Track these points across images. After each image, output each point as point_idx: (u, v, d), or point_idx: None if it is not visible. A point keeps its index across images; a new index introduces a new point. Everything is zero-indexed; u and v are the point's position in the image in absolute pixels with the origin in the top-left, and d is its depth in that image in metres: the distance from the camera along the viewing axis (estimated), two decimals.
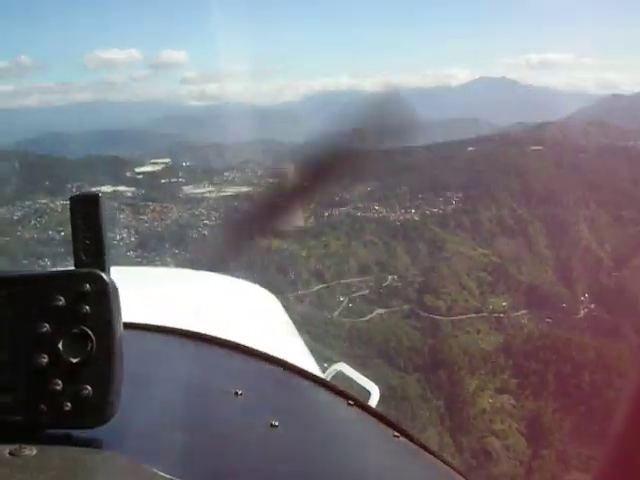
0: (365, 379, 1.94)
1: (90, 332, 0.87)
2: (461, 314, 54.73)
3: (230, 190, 71.95)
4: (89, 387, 0.87)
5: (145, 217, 68.48)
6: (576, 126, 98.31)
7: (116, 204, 69.22)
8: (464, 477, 1.40)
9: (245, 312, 2.71)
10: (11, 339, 0.87)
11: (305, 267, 58.16)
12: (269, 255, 56.53)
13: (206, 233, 64.12)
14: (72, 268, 0.91)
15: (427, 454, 1.38)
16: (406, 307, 55.69)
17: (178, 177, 77.08)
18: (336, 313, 55.13)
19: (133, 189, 74.24)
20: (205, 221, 66.82)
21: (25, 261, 58.21)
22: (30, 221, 66.44)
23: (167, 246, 62.54)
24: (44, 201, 69.51)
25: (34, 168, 73.33)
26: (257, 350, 1.65)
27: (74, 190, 71.70)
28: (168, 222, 67.02)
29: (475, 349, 48.16)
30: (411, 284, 58.18)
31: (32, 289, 0.89)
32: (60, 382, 0.86)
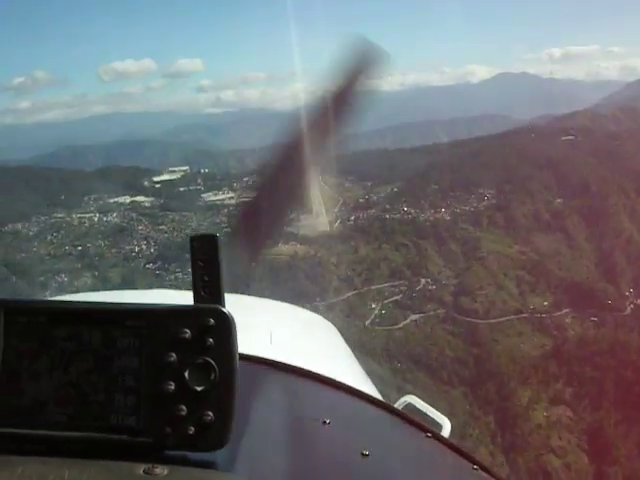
0: (435, 412, 1.91)
1: (213, 363, 0.95)
2: (500, 316, 52.31)
3: (251, 195, 69.89)
4: (211, 413, 0.94)
5: (164, 227, 66.41)
6: (605, 113, 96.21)
7: (134, 215, 67.51)
8: None
9: (310, 341, 2.71)
10: (140, 367, 0.96)
11: (334, 273, 55.93)
12: (297, 262, 54.34)
13: (227, 241, 61.90)
14: (192, 304, 1.00)
15: None
16: (441, 311, 53.27)
17: (197, 184, 74.94)
18: (368, 321, 52.84)
19: (151, 199, 72.52)
20: (226, 229, 64.07)
21: (41, 278, 56.56)
22: (46, 237, 64.26)
23: (188, 257, 59.62)
24: (60, 215, 67.97)
25: (50, 182, 72.04)
26: (338, 381, 1.73)
27: (91, 202, 71.33)
28: (188, 231, 64.53)
29: (523, 356, 45.14)
30: (445, 287, 55.93)
31: (161, 322, 0.98)
32: (185, 408, 0.95)
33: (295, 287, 48.32)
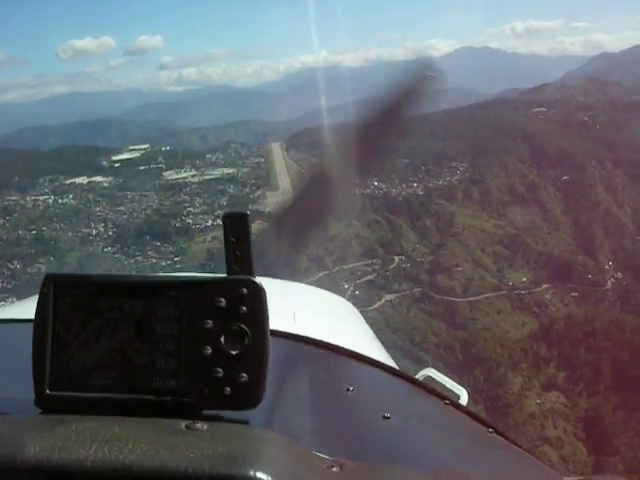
0: (454, 383, 1.98)
1: (247, 329, 1.03)
2: (478, 294, 50.84)
3: (214, 173, 67.82)
4: (245, 375, 1.02)
5: (123, 208, 63.66)
6: (574, 86, 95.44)
7: (91, 196, 64.82)
8: (556, 470, 1.51)
9: (332, 321, 2.76)
10: (179, 333, 1.04)
11: (303, 253, 52.90)
12: (259, 242, 51.86)
13: (190, 221, 59.51)
14: (227, 275, 1.07)
15: (518, 448, 1.51)
16: (417, 290, 51.57)
17: (158, 163, 72.31)
18: None
19: (110, 179, 69.93)
20: (189, 208, 61.96)
21: None
22: None
23: (148, 238, 57.79)
24: (14, 198, 65.13)
25: (2, 164, 68.84)
26: (360, 354, 1.82)
27: (46, 184, 68.34)
28: (148, 212, 62.01)
29: (511, 338, 43.02)
30: (420, 264, 54.10)
31: (199, 292, 1.05)
32: (221, 370, 1.03)
33: (261, 268, 45.99)
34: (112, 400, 1.03)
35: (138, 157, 74.68)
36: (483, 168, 62.20)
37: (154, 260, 54.26)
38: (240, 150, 74.57)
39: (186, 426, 0.94)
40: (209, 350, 1.03)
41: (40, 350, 1.04)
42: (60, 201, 64.60)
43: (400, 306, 50.52)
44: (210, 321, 1.03)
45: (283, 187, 64.90)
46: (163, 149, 78.15)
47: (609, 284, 51.94)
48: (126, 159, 74.10)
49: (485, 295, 50.77)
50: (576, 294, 51.03)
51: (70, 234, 59.74)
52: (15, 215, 62.44)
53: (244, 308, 1.04)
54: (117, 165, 72.58)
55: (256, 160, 71.58)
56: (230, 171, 68.29)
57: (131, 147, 79.13)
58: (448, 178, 62.33)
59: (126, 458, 0.84)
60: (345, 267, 53.04)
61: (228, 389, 1.02)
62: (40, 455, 0.84)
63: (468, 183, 61.21)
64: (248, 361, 1.03)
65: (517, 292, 51.43)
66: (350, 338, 2.28)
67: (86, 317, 1.05)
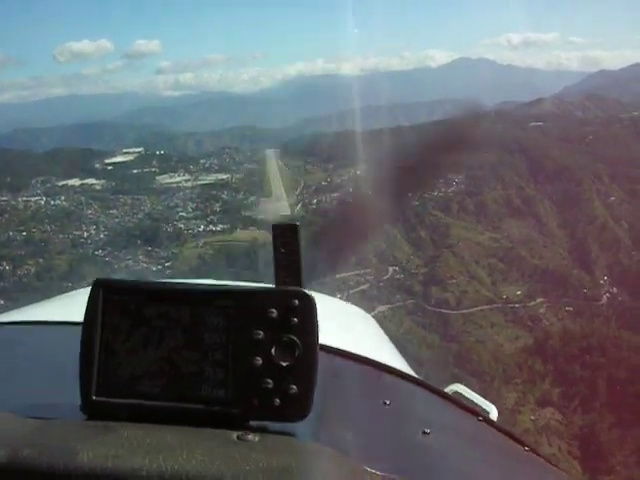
0: (482, 399, 1.96)
1: (297, 340, 1.03)
2: (472, 306, 50.23)
3: (207, 178, 67.26)
4: (295, 387, 1.02)
5: (115, 211, 62.97)
6: (572, 101, 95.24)
7: (83, 198, 64.18)
8: None
9: (355, 332, 2.82)
10: (227, 342, 1.04)
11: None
12: (256, 249, 51.41)
13: (182, 226, 58.91)
14: (277, 286, 1.08)
15: (554, 467, 1.53)
16: (410, 302, 50.96)
17: (151, 166, 71.77)
18: None
19: (103, 181, 69.33)
20: (181, 213, 61.33)
21: None
22: None
23: (139, 243, 56.83)
24: (4, 199, 64.24)
25: None
26: (391, 366, 1.87)
27: (38, 185, 67.68)
28: (140, 216, 61.33)
29: (504, 352, 42.51)
30: (414, 276, 53.51)
31: (250, 302, 1.05)
32: (271, 381, 1.02)
33: (254, 275, 45.51)
34: (159, 408, 1.02)
35: (132, 160, 73.82)
36: (479, 180, 61.61)
37: (145, 265, 53.65)
38: (234, 156, 74.00)
39: (238, 437, 0.95)
40: (259, 361, 1.03)
41: (88, 355, 1.04)
42: (52, 203, 63.72)
43: (393, 317, 49.70)
44: (261, 332, 1.03)
45: (276, 194, 64.46)
46: (157, 153, 77.33)
47: (604, 299, 51.36)
48: (120, 162, 73.29)
49: (479, 308, 50.22)
50: (571, 308, 50.49)
51: (61, 236, 58.93)
52: (6, 216, 61.41)
53: (295, 320, 1.03)
54: (110, 168, 71.84)
55: (250, 166, 71.11)
56: (224, 177, 67.71)
57: (125, 150, 78.27)
58: (443, 189, 61.25)
59: (182, 468, 0.83)
60: (337, 276, 52.46)
61: (278, 400, 1.02)
62: (93, 463, 0.84)
63: (464, 195, 60.58)
64: (298, 373, 1.02)
65: (511, 305, 50.89)
66: (375, 351, 2.28)
67: (134, 324, 1.05)
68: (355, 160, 66.46)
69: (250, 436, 0.94)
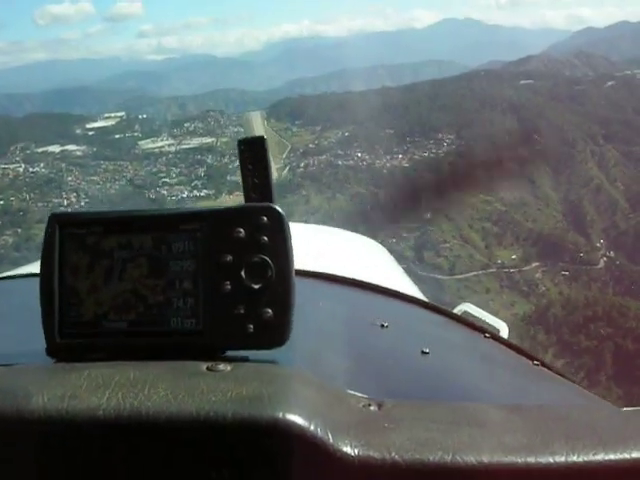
0: (492, 317, 1.89)
1: (269, 260, 0.95)
2: (466, 271, 49.61)
3: (192, 142, 65.59)
4: (270, 310, 0.96)
5: (96, 178, 61.37)
6: (560, 59, 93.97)
7: (64, 165, 62.39)
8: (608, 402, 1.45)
9: (363, 259, 2.80)
10: (195, 269, 0.96)
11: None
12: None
13: (165, 193, 57.35)
14: (244, 204, 1.01)
15: (567, 380, 1.50)
16: (402, 267, 48.93)
17: (134, 131, 69.94)
18: None
19: (84, 147, 67.78)
20: (164, 179, 59.73)
21: None
22: None
23: (122, 210, 54.96)
24: None
25: None
26: (394, 290, 1.82)
27: (17, 152, 65.79)
28: (122, 182, 59.72)
29: (500, 318, 41.24)
30: (406, 240, 52.24)
31: (215, 223, 0.97)
32: (243, 307, 0.96)
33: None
34: (127, 345, 0.97)
35: (113, 125, 72.42)
36: (470, 140, 60.04)
37: None
38: (219, 119, 72.26)
39: (207, 368, 0.90)
40: (228, 285, 0.95)
41: (48, 296, 0.98)
42: (31, 170, 62.01)
43: None
44: (229, 254, 0.96)
45: None
46: (140, 117, 75.80)
47: (601, 263, 50.36)
48: (101, 127, 71.90)
49: (473, 273, 49.64)
50: (567, 273, 49.62)
51: (40, 204, 57.21)
52: None
53: (265, 238, 0.95)
54: (91, 133, 70.41)
55: (236, 129, 69.22)
56: (209, 140, 66.14)
57: (106, 115, 76.65)
58: (434, 150, 60.37)
59: (142, 404, 0.79)
60: None
61: (251, 327, 0.95)
62: (48, 405, 0.80)
63: (455, 156, 58.90)
64: (272, 295, 0.95)
65: (506, 270, 50.18)
66: (381, 275, 2.24)
67: (94, 257, 0.97)
68: (342, 122, 65.74)
69: (221, 366, 0.89)
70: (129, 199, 56.36)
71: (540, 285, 48.64)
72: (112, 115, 75.76)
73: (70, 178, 61.11)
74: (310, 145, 63.90)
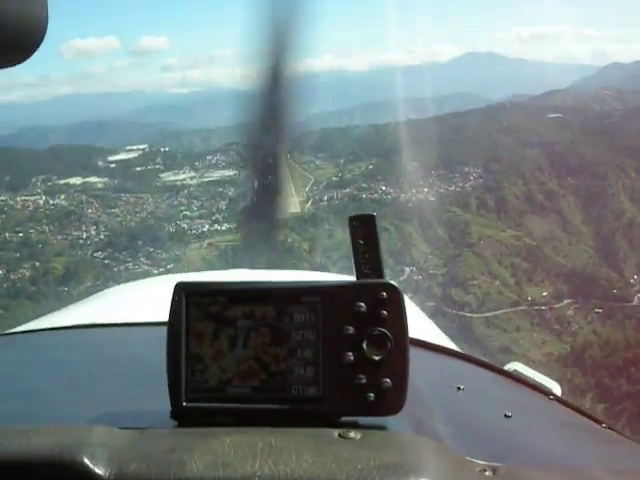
0: (544, 377, 1.93)
1: (388, 333, 1.02)
2: (495, 309, 48.10)
3: (214, 175, 64.78)
4: (389, 380, 1.02)
5: (116, 210, 60.82)
6: (588, 92, 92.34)
7: (84, 197, 61.87)
8: None
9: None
10: (316, 339, 1.04)
11: (307, 261, 50.06)
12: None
13: (185, 226, 56.44)
14: (363, 280, 1.06)
15: (636, 444, 1.49)
16: (430, 305, 48.05)
17: (155, 164, 69.47)
18: None
19: (105, 179, 67.02)
20: (185, 212, 58.90)
21: None
22: None
23: (140, 244, 54.54)
24: (3, 198, 61.88)
25: None
26: (460, 351, 1.92)
27: (39, 184, 65.39)
28: (143, 215, 59.00)
29: (531, 358, 39.70)
30: (433, 277, 51.33)
31: (337, 296, 1.04)
32: (364, 376, 1.02)
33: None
34: (251, 410, 1.04)
35: (135, 158, 71.49)
36: (498, 174, 59.28)
37: (146, 267, 51.21)
38: (242, 152, 71.23)
39: (339, 435, 0.95)
40: (351, 356, 1.03)
41: (175, 362, 1.05)
42: (51, 202, 61.36)
43: None
44: (351, 327, 1.03)
45: (286, 190, 62.09)
46: (162, 150, 75.06)
47: (636, 300, 48.47)
48: (123, 160, 71.05)
49: (503, 310, 48.13)
50: (600, 310, 47.80)
51: (59, 237, 56.77)
52: (3, 216, 59.35)
53: (384, 312, 1.03)
54: (113, 166, 69.55)
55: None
56: (230, 173, 65.26)
57: (128, 147, 76.00)
58: (461, 184, 59.18)
59: (294, 472, 0.84)
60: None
61: (372, 395, 1.02)
62: (205, 473, 0.84)
63: (483, 190, 58.15)
64: (391, 366, 1.03)
65: (537, 308, 48.69)
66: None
67: (219, 326, 1.06)
68: (366, 155, 64.69)
69: (352, 433, 0.94)
70: (149, 232, 55.54)
71: (573, 323, 47.04)
72: (134, 148, 75.07)
73: (90, 210, 60.38)
74: (333, 178, 62.85)
